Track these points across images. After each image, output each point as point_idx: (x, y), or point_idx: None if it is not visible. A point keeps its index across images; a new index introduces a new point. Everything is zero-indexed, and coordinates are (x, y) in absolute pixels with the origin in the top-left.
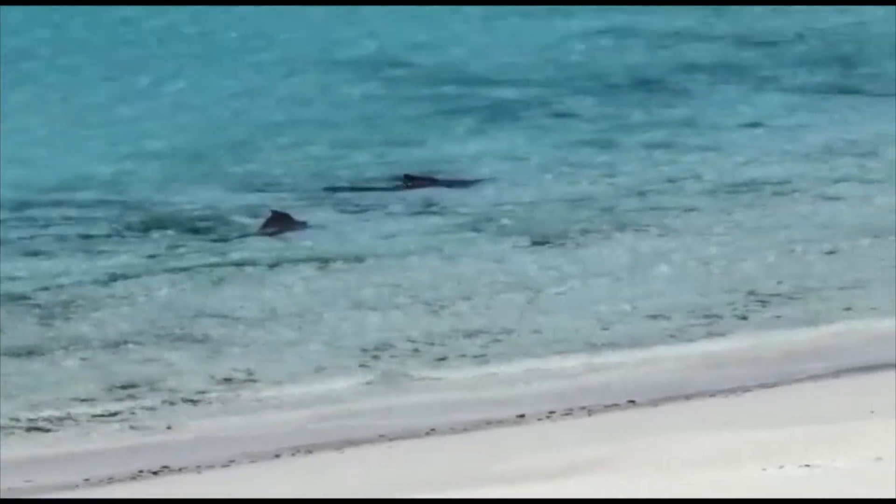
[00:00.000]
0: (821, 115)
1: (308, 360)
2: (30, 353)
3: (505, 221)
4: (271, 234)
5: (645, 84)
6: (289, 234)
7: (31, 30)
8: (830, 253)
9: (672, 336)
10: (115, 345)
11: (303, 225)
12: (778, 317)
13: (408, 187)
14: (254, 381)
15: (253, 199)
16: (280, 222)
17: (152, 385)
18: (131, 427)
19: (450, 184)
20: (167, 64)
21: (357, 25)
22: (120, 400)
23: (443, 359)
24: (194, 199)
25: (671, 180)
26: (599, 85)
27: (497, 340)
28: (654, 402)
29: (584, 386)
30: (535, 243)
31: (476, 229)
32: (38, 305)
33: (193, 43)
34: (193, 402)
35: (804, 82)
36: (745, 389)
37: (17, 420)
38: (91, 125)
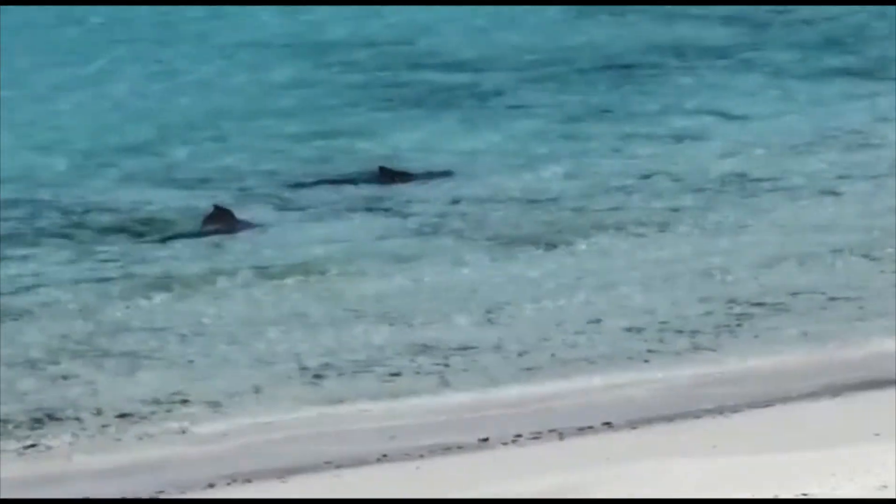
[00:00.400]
0: (807, 102)
1: (245, 379)
2: None
3: (464, 224)
4: (212, 233)
5: (615, 68)
6: (230, 235)
7: None
8: (821, 258)
9: (650, 352)
10: (28, 362)
11: (247, 224)
12: (767, 329)
13: (381, 182)
14: (184, 401)
15: (187, 197)
16: (222, 220)
17: (68, 407)
18: (45, 455)
19: (419, 178)
20: (95, 51)
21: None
22: (34, 425)
23: (395, 376)
24: (118, 197)
25: (645, 175)
26: (565, 70)
27: (455, 357)
28: (632, 425)
29: (553, 407)
30: (498, 248)
31: (433, 232)
32: None
33: (135, 27)
34: (115, 425)
35: (789, 65)
36: (733, 410)
37: None
38: (6, 113)
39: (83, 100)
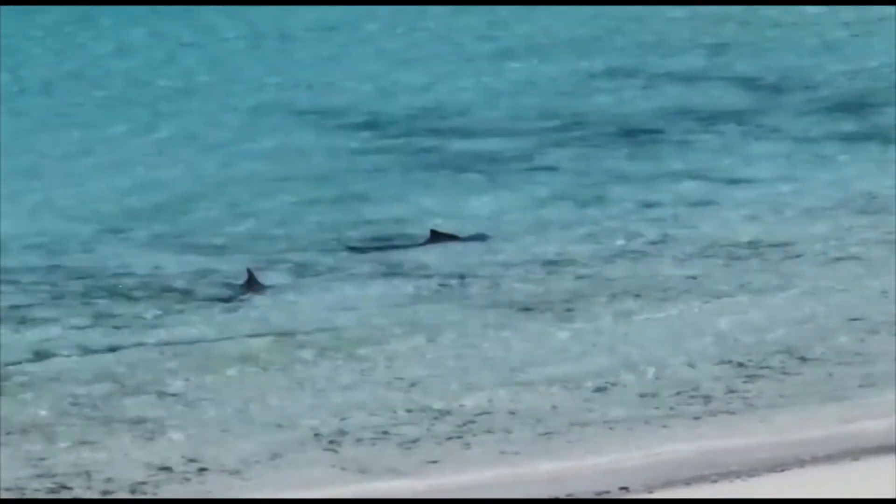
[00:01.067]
0: (826, 167)
1: (261, 444)
2: None
3: (483, 288)
4: (242, 298)
5: (636, 132)
6: (256, 300)
7: None
8: (839, 323)
9: (666, 417)
10: (42, 428)
11: (272, 289)
12: (782, 394)
13: (426, 243)
14: (201, 469)
15: (208, 262)
16: (253, 285)
17: (81, 474)
18: None
19: (457, 240)
20: (121, 110)
21: (340, 66)
22: (48, 493)
23: (414, 442)
24: (138, 262)
25: (664, 240)
26: (586, 133)
27: (473, 422)
28: (649, 489)
29: (571, 472)
30: (516, 313)
31: (453, 297)
32: None
33: (159, 86)
34: (130, 494)
35: (808, 130)
36: (751, 474)
37: None
38: (8, 179)
39: (104, 163)
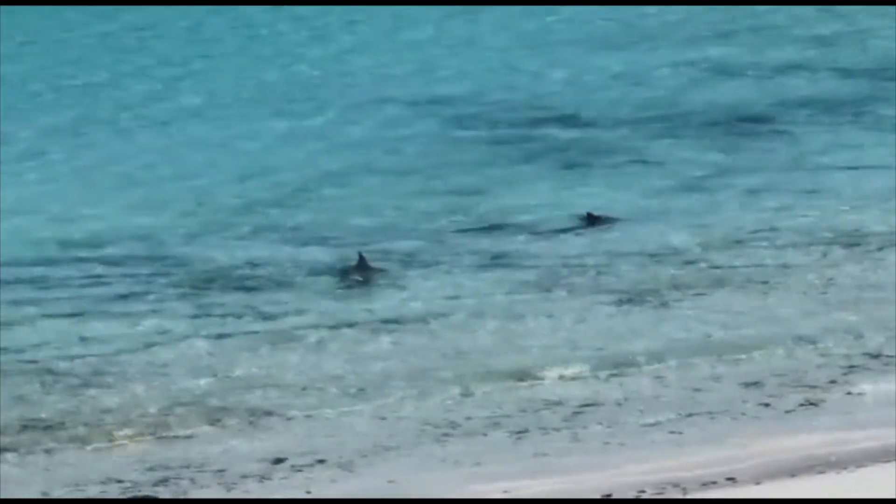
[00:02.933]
0: None
1: (374, 436)
2: (56, 428)
3: (588, 278)
4: (351, 284)
5: (739, 122)
6: (363, 287)
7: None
8: None
9: (770, 407)
10: (150, 421)
11: (380, 276)
12: (888, 384)
13: (585, 226)
14: (317, 461)
15: (311, 252)
16: (363, 270)
17: (193, 467)
18: None
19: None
20: (211, 104)
21: (447, 58)
22: (156, 484)
23: (524, 432)
24: (241, 253)
25: (768, 230)
26: (690, 124)
27: (580, 413)
28: (756, 480)
29: (676, 463)
30: (622, 302)
31: (559, 286)
32: (66, 375)
33: (240, 83)
34: (239, 485)
35: None
36: (859, 464)
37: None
38: (122, 173)
39: (210, 157)
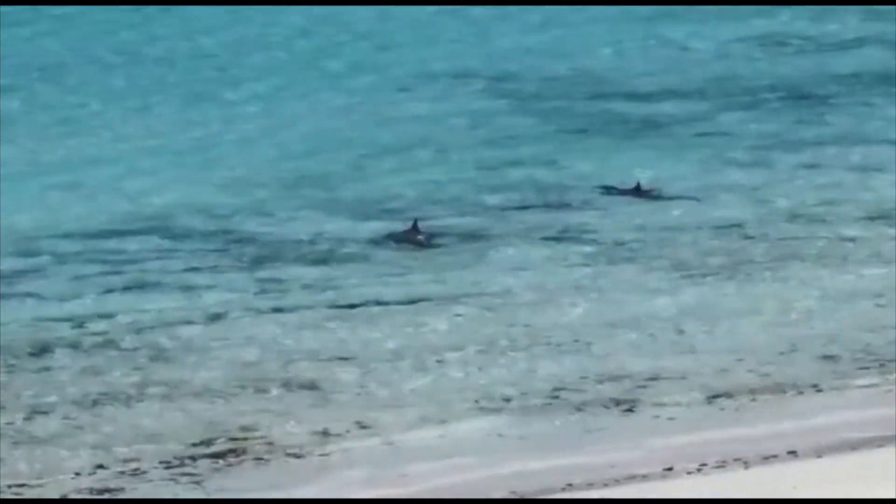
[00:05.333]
0: None
1: (428, 409)
2: (123, 400)
3: (649, 251)
4: (404, 248)
5: (797, 97)
6: (418, 259)
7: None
8: None
9: (838, 380)
10: (214, 391)
11: (436, 247)
12: None
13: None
14: (368, 433)
15: (369, 226)
16: (417, 236)
17: (251, 437)
18: (236, 485)
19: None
20: (264, 79)
21: (472, 29)
22: (216, 456)
23: (579, 406)
24: (300, 227)
25: (827, 204)
26: (748, 98)
27: (640, 386)
28: (818, 454)
29: (738, 436)
30: (683, 276)
31: (618, 260)
32: (130, 348)
33: (291, 55)
34: (298, 456)
35: None
36: None
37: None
38: (183, 147)
39: (269, 132)
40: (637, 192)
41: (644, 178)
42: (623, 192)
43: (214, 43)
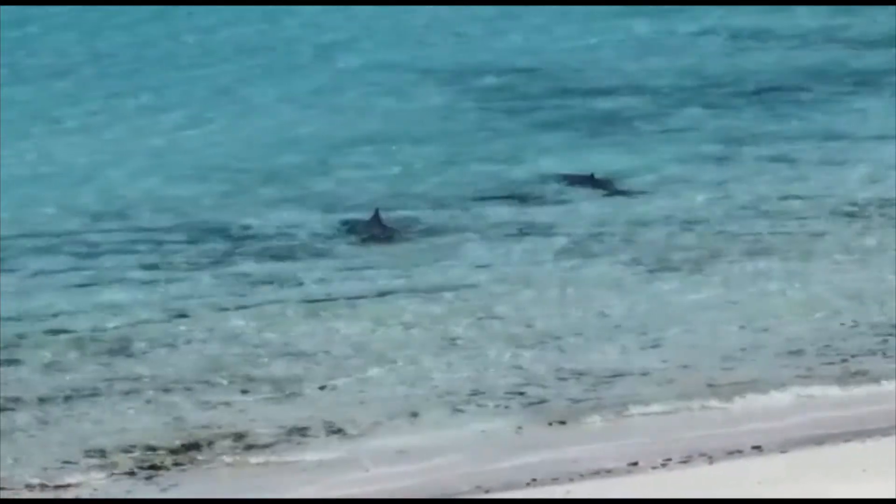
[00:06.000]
0: None
1: (395, 405)
2: (90, 394)
3: (613, 246)
4: (368, 240)
5: (763, 92)
6: (383, 251)
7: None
8: None
9: (798, 377)
10: (180, 386)
11: (400, 239)
12: None
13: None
14: (334, 431)
15: (332, 220)
16: (379, 227)
17: (216, 432)
18: (204, 483)
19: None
20: (230, 72)
21: (443, 26)
22: (183, 450)
23: (543, 402)
24: (265, 222)
25: (792, 198)
26: (714, 93)
27: (605, 382)
28: (783, 449)
29: (703, 432)
30: (646, 271)
31: (582, 254)
32: (97, 342)
33: (262, 48)
34: (265, 454)
35: None
36: (884, 433)
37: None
38: (146, 139)
39: (226, 126)
40: (591, 180)
41: (611, 172)
42: (577, 181)
43: (185, 38)
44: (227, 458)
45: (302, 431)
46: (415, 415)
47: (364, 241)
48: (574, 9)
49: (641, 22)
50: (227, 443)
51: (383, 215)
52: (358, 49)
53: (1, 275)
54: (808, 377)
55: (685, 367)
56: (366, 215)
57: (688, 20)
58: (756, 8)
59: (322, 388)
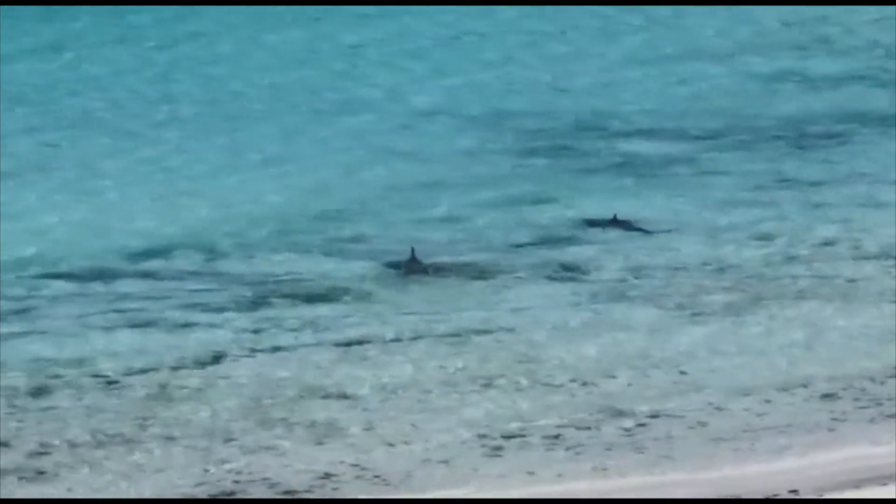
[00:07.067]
0: None
1: (429, 448)
2: (124, 439)
3: (651, 289)
4: (408, 279)
5: (800, 135)
6: (420, 292)
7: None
8: None
9: (836, 420)
10: (215, 430)
11: (438, 281)
12: None
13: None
14: (368, 475)
15: (368, 264)
16: (417, 266)
17: (253, 477)
18: None
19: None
20: (266, 117)
21: (506, 69)
22: (220, 495)
23: (576, 444)
24: (302, 266)
25: (829, 243)
26: (750, 136)
27: (643, 425)
28: (819, 492)
29: (737, 474)
30: (684, 314)
31: (621, 297)
32: (133, 385)
33: (295, 93)
34: (298, 495)
35: None
36: None
37: None
38: (182, 185)
39: (268, 169)
40: (625, 223)
41: (642, 215)
42: (612, 224)
43: (222, 71)
44: (265, 500)
45: (338, 476)
46: (451, 459)
47: (401, 281)
48: (610, 50)
49: (679, 67)
50: (263, 488)
51: (419, 256)
52: (389, 92)
53: (38, 318)
54: (842, 420)
55: (720, 409)
56: (403, 256)
57: (720, 63)
58: (790, 52)
59: (359, 431)
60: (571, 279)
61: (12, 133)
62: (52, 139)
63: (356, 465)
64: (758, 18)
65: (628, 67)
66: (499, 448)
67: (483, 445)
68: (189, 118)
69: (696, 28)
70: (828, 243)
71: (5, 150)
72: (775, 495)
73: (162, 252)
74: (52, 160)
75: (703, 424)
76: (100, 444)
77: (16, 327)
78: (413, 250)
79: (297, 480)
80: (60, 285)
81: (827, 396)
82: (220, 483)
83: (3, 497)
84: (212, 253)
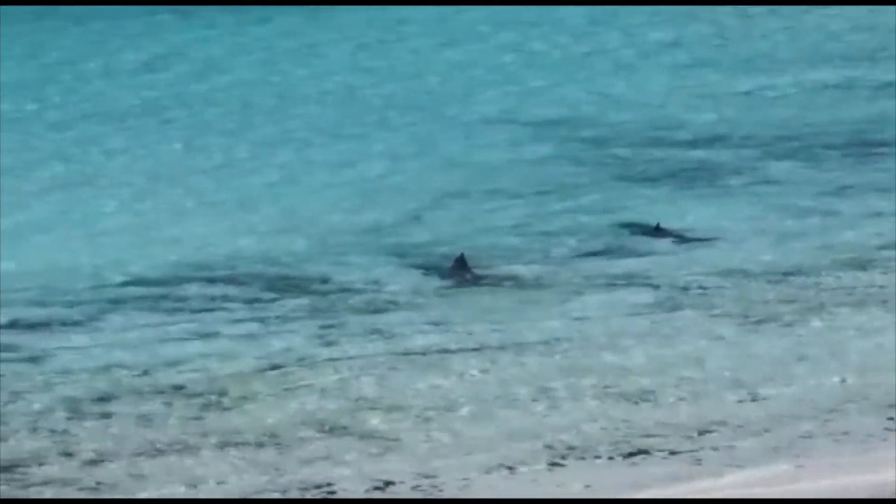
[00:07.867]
0: None
1: (491, 459)
2: (183, 448)
3: (710, 297)
4: (459, 285)
5: (864, 143)
6: (466, 291)
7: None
8: None
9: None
10: (274, 440)
11: (478, 277)
12: None
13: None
14: (430, 484)
15: (422, 272)
16: (464, 271)
17: (311, 487)
18: None
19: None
20: (320, 123)
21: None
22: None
23: (638, 453)
24: (358, 274)
25: (889, 249)
26: (811, 145)
27: (703, 434)
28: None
29: (799, 488)
30: (745, 323)
31: (679, 306)
32: (189, 395)
33: (352, 99)
34: None
35: None
36: None
37: None
38: (242, 195)
39: (327, 176)
40: (679, 233)
41: (698, 224)
42: (666, 233)
43: (269, 79)
44: None
45: (395, 486)
46: (512, 469)
47: (454, 290)
48: (665, 61)
49: (736, 76)
50: (324, 495)
51: (472, 264)
52: (445, 99)
53: (93, 328)
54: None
55: (782, 419)
56: (455, 265)
57: (776, 73)
58: (858, 59)
59: (418, 440)
60: (626, 287)
61: (81, 142)
62: (118, 146)
63: (416, 474)
64: (825, 25)
65: (693, 76)
66: (560, 457)
67: (544, 456)
68: (259, 126)
69: (766, 35)
70: (889, 249)
71: (80, 157)
72: None
73: (218, 262)
74: (122, 168)
75: (764, 434)
76: (159, 453)
77: (76, 335)
78: (462, 255)
79: (356, 489)
80: (127, 292)
81: (883, 407)
82: (279, 492)
83: (2, 497)
84: (266, 262)
